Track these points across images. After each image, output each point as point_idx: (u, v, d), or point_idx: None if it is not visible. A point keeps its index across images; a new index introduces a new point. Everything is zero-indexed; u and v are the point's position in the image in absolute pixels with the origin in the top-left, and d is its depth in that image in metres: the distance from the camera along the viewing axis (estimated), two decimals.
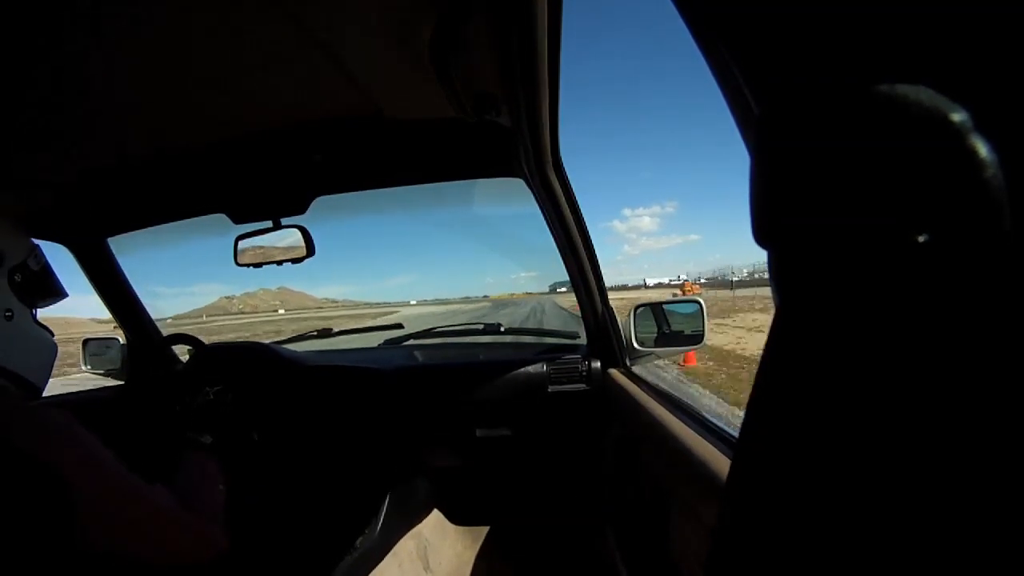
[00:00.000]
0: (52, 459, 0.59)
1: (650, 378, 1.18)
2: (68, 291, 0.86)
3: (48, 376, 0.82)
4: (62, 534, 0.58)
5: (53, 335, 0.84)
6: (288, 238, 1.32)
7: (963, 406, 0.18)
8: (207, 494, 0.81)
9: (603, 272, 1.37)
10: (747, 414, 0.24)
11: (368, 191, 1.37)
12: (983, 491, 0.17)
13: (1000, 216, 0.16)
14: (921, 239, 0.17)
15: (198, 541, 0.71)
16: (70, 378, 7.45)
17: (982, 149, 0.16)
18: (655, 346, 1.37)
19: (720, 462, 0.61)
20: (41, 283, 0.80)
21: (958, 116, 0.17)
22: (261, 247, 1.35)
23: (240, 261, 1.36)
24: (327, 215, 1.44)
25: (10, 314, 0.74)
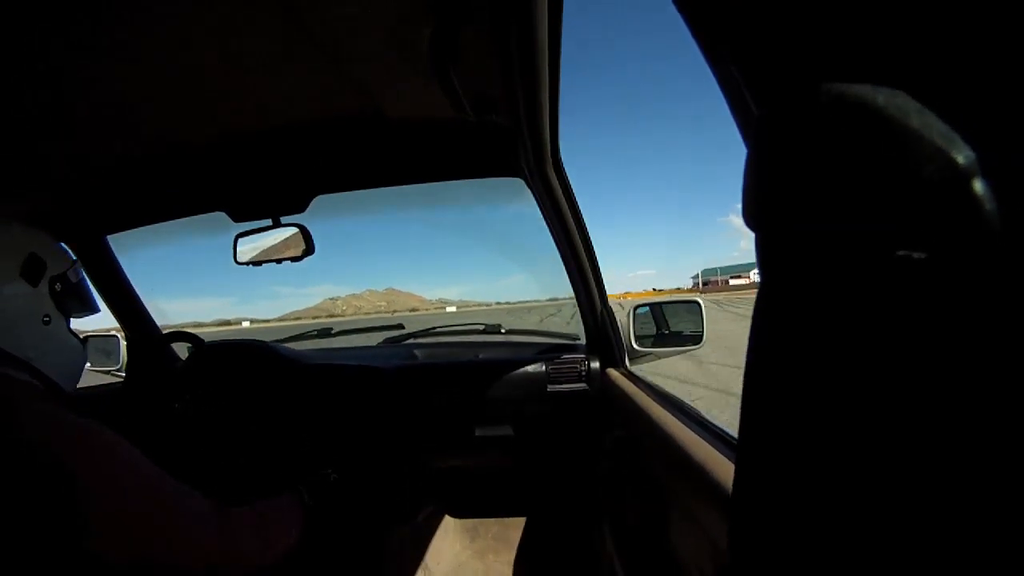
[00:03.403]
0: (72, 461, 0.58)
1: (649, 378, 1.18)
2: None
3: (76, 382, 0.86)
4: (73, 538, 0.57)
5: (84, 344, 0.88)
6: (288, 236, 1.32)
7: (936, 395, 0.18)
8: (272, 530, 0.81)
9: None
10: (743, 405, 0.25)
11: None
12: (979, 485, 0.17)
13: (990, 245, 0.16)
14: (901, 253, 0.17)
15: (223, 554, 0.70)
16: None
17: (983, 192, 0.16)
18: (654, 346, 1.37)
19: (718, 462, 0.61)
20: (77, 295, 0.85)
21: (964, 158, 0.17)
22: (260, 246, 1.35)
23: (240, 260, 1.36)
24: (330, 214, 1.44)
25: (48, 319, 0.78)
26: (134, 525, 0.62)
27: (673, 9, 0.32)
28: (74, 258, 0.86)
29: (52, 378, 0.77)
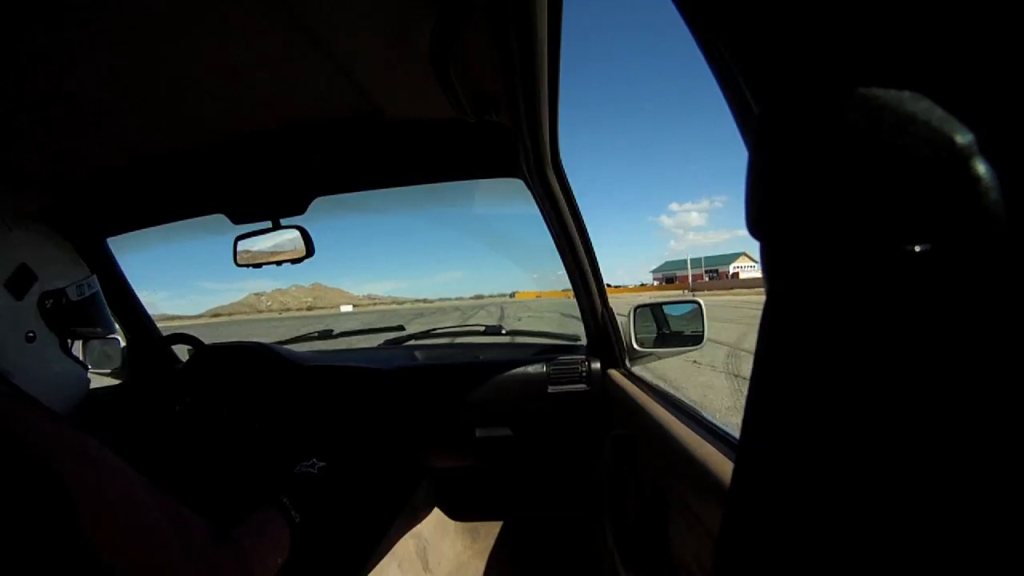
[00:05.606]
0: (66, 478, 0.56)
1: (649, 378, 1.18)
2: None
3: (69, 407, 0.79)
4: (69, 556, 0.55)
5: (87, 369, 0.82)
6: (288, 238, 1.32)
7: (952, 399, 0.18)
8: (259, 554, 0.74)
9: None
10: (746, 412, 0.24)
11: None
12: (986, 490, 0.17)
13: (995, 232, 0.16)
14: (910, 247, 0.17)
15: None
16: None
17: (984, 171, 0.16)
18: (655, 347, 1.37)
19: (719, 462, 0.61)
20: (79, 315, 0.78)
21: (963, 138, 0.17)
22: (260, 248, 1.35)
23: (240, 262, 1.35)
24: (327, 215, 1.42)
25: (32, 336, 0.73)
26: (123, 545, 0.58)
27: (663, 7, 0.32)
28: (86, 275, 0.80)
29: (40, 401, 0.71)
